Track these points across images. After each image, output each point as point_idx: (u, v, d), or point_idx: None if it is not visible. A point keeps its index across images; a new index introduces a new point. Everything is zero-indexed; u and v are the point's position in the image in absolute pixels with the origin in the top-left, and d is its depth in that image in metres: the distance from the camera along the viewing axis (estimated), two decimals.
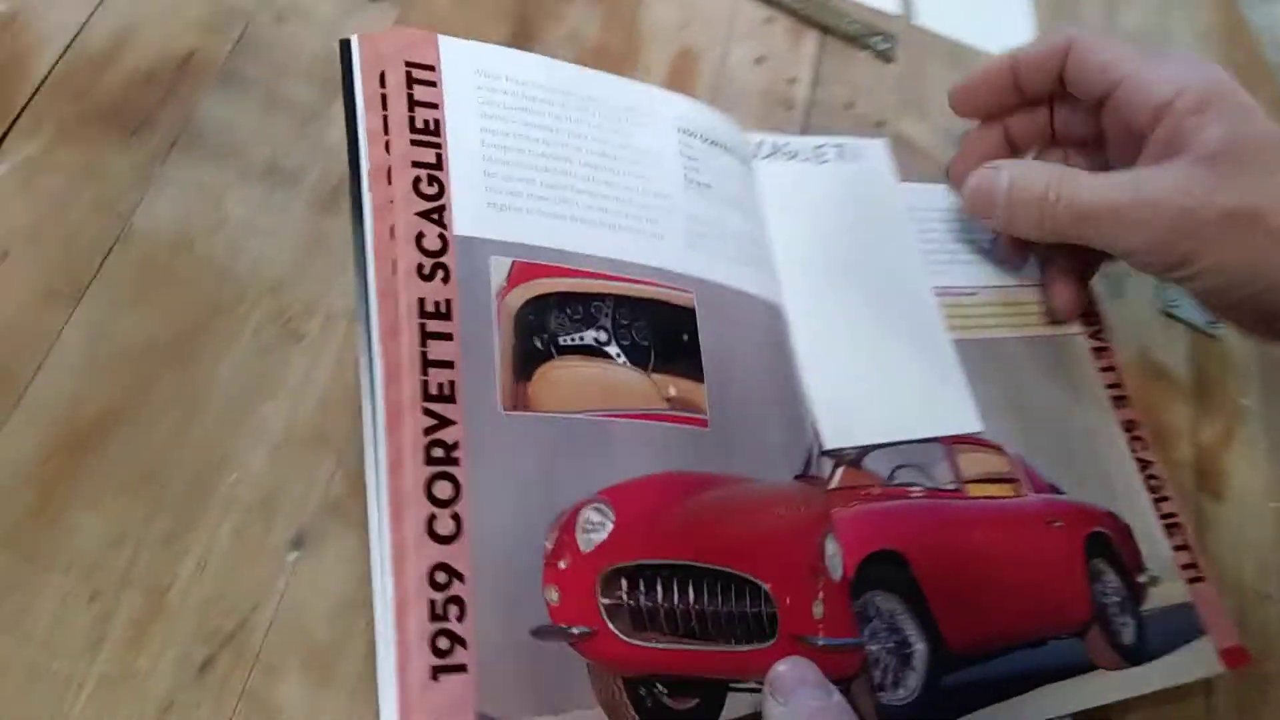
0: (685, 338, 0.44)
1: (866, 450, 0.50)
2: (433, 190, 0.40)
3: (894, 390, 0.52)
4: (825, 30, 0.71)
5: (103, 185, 0.47)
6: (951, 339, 0.55)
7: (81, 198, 0.47)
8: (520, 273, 0.41)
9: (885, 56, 0.72)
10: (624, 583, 0.39)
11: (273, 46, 0.54)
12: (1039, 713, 0.47)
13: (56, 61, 0.50)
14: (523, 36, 0.60)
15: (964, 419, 0.52)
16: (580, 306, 0.42)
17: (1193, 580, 0.54)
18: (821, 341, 0.51)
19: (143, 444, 0.43)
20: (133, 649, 0.40)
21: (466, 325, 0.39)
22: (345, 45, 0.41)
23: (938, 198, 0.59)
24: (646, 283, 0.44)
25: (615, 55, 0.62)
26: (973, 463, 0.52)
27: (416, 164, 0.40)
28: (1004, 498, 0.52)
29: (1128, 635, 0.51)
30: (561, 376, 0.41)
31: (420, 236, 0.39)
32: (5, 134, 0.47)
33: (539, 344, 0.40)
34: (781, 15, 0.70)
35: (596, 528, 0.39)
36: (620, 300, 0.43)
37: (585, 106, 0.47)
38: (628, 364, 0.43)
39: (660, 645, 0.39)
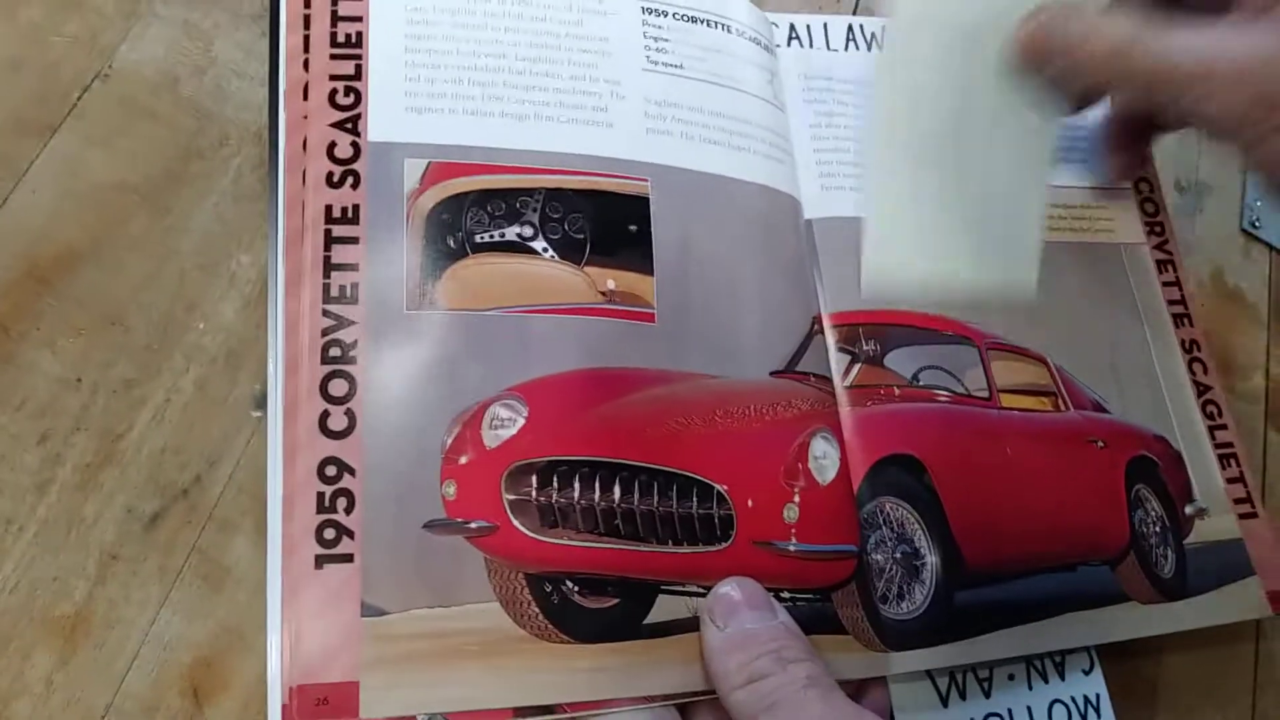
0: (633, 228, 0.42)
1: (888, 346, 0.45)
2: (348, 100, 0.41)
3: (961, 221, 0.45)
4: None
5: (87, 18, 0.45)
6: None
7: (63, 30, 0.44)
8: (436, 173, 0.40)
9: None
10: (534, 479, 0.38)
11: None
12: (1060, 641, 0.43)
13: None
14: None
15: (1021, 274, 0.46)
16: (503, 203, 0.41)
17: (1245, 516, 0.49)
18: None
19: (107, 286, 0.41)
20: (80, 495, 0.38)
21: (374, 228, 0.39)
22: None
23: None
24: (588, 174, 0.42)
25: None
26: (1010, 370, 0.48)
27: (335, 77, 0.41)
28: (1041, 411, 0.48)
29: (1166, 568, 0.47)
30: (472, 274, 0.40)
31: (332, 146, 0.40)
32: None
33: (451, 243, 0.40)
34: None
35: (505, 424, 0.38)
36: (554, 193, 0.42)
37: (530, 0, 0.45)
38: (555, 258, 0.41)
39: (573, 543, 0.38)
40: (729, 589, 0.37)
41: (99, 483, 0.38)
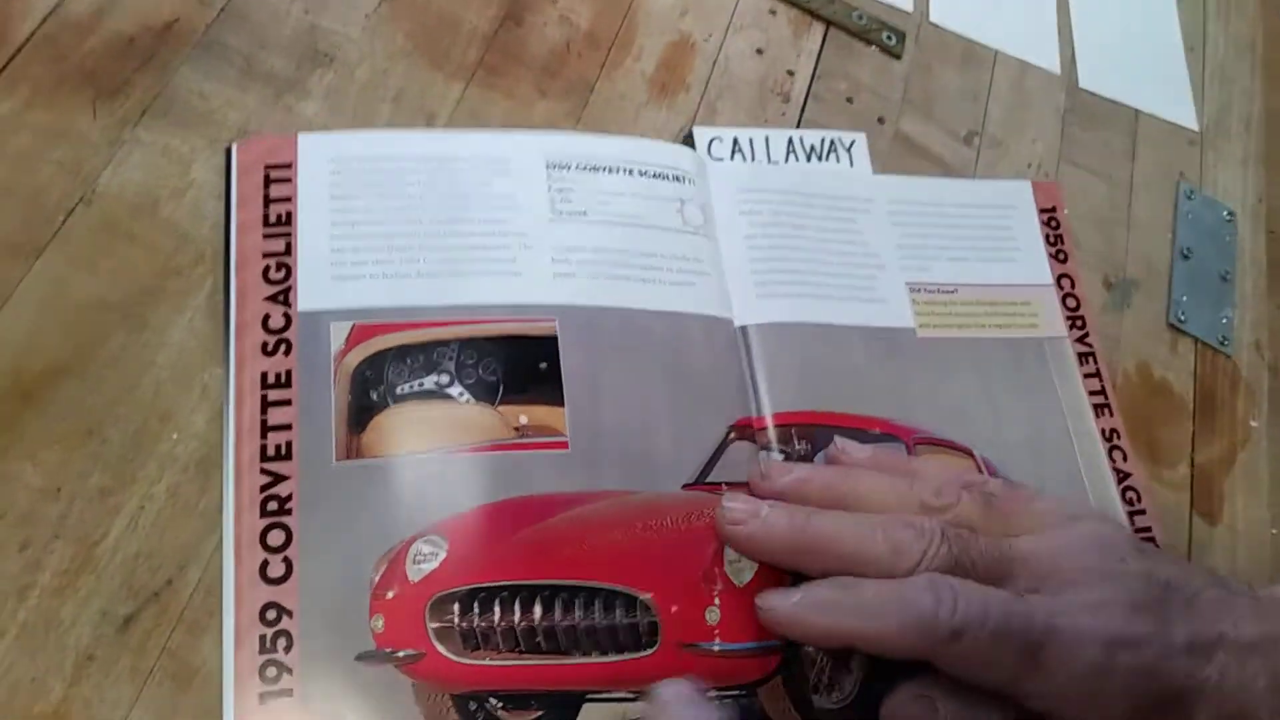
0: (543, 365, 0.46)
1: (816, 446, 0.49)
2: (280, 275, 0.46)
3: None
4: (831, 24, 0.70)
5: (72, 146, 0.48)
6: (920, 337, 0.54)
7: (50, 157, 0.48)
8: (359, 334, 0.45)
9: (893, 53, 0.70)
10: (455, 607, 0.41)
11: (253, 17, 0.54)
12: None
13: (39, 25, 0.51)
14: (512, 19, 0.60)
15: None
16: (421, 355, 0.45)
17: None
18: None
19: (86, 400, 0.44)
20: (58, 599, 0.41)
21: (305, 391, 0.44)
22: (228, 152, 0.48)
23: (920, 190, 0.58)
24: (500, 320, 0.47)
25: (605, 40, 0.62)
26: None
27: (267, 255, 0.46)
28: None
29: None
30: (394, 422, 0.44)
31: (266, 318, 0.45)
32: None
33: (375, 396, 0.44)
34: (786, 6, 0.69)
35: (428, 558, 0.41)
36: (468, 342, 0.46)
37: (442, 168, 0.50)
38: (471, 400, 0.45)
39: (495, 663, 0.41)
40: (664, 690, 0.38)
41: (76, 587, 0.41)
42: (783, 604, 0.39)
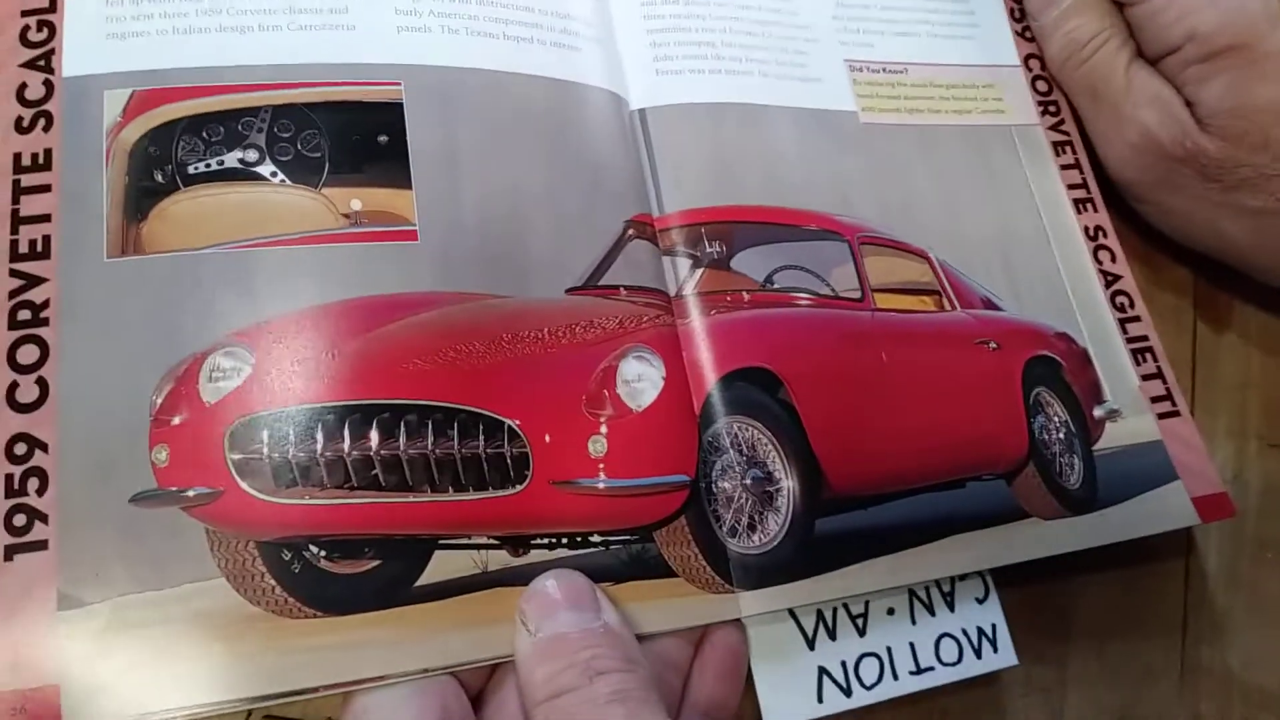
0: (384, 139, 0.37)
1: (734, 248, 0.40)
2: (41, 36, 0.37)
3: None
4: None
5: None
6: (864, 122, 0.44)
7: None
8: (140, 103, 0.36)
9: None
10: (264, 434, 0.33)
11: None
12: (946, 567, 0.38)
13: None
14: None
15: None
16: (221, 126, 0.36)
17: (1165, 415, 0.44)
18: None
19: None
20: None
21: (69, 173, 0.35)
22: None
23: None
24: (326, 84, 0.37)
25: None
26: (886, 268, 0.42)
27: (26, 12, 0.37)
28: (922, 311, 0.42)
29: (1073, 478, 0.42)
30: (185, 210, 0.35)
31: (22, 89, 0.36)
32: None
33: (160, 178, 0.36)
34: None
35: (227, 374, 0.33)
36: (284, 110, 0.37)
37: None
38: (286, 182, 0.36)
39: (316, 501, 0.33)
40: (548, 584, 0.32)
41: None
42: None
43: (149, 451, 0.32)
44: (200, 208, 0.35)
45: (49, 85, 0.36)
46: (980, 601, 0.39)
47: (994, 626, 0.38)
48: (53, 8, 0.37)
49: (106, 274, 0.34)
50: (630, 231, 0.38)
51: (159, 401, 0.33)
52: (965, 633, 0.38)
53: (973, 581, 0.39)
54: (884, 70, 0.47)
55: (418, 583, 0.32)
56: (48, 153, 0.35)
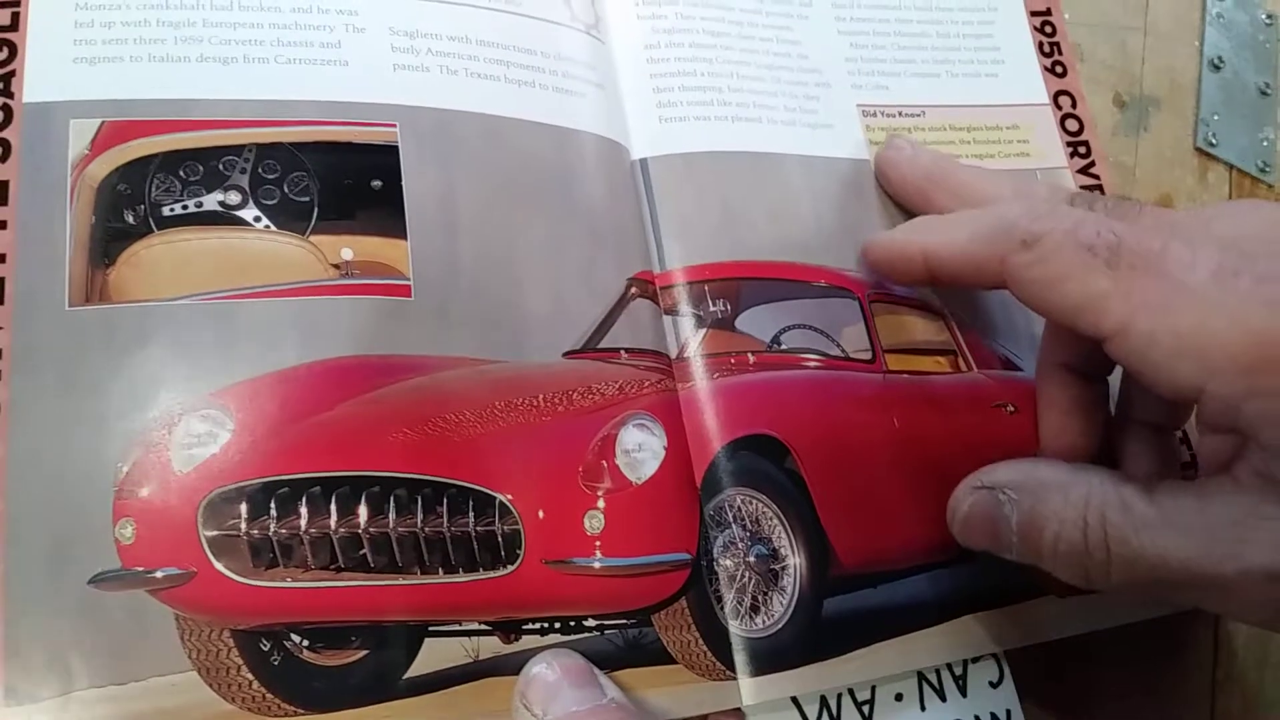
0: (378, 184, 0.35)
1: (739, 307, 0.38)
2: (1, 56, 0.34)
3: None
4: None
5: None
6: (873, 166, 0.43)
7: None
8: (111, 135, 0.33)
9: None
10: (243, 508, 0.31)
11: None
12: (958, 649, 0.36)
13: None
14: None
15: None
16: (200, 165, 0.34)
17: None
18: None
19: None
20: None
21: (27, 209, 0.32)
22: None
23: None
24: (316, 123, 0.35)
25: None
26: (899, 326, 0.41)
27: None
28: (937, 373, 0.40)
29: None
30: (159, 255, 0.33)
31: None
32: None
33: (131, 219, 0.33)
34: None
35: (203, 440, 0.31)
36: (269, 150, 0.35)
37: None
38: (271, 227, 0.34)
39: (300, 584, 0.31)
40: (542, 668, 0.31)
41: None
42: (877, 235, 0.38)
43: (112, 527, 0.30)
44: (175, 253, 0.33)
45: (8, 110, 0.34)
46: (994, 685, 0.37)
47: (1008, 712, 0.37)
48: (14, 25, 0.35)
49: (67, 324, 0.32)
50: (633, 290, 0.37)
51: (125, 470, 0.31)
52: (978, 719, 0.36)
53: (986, 664, 0.37)
54: (900, 114, 0.45)
55: (406, 675, 0.31)
56: (3, 185, 0.33)
